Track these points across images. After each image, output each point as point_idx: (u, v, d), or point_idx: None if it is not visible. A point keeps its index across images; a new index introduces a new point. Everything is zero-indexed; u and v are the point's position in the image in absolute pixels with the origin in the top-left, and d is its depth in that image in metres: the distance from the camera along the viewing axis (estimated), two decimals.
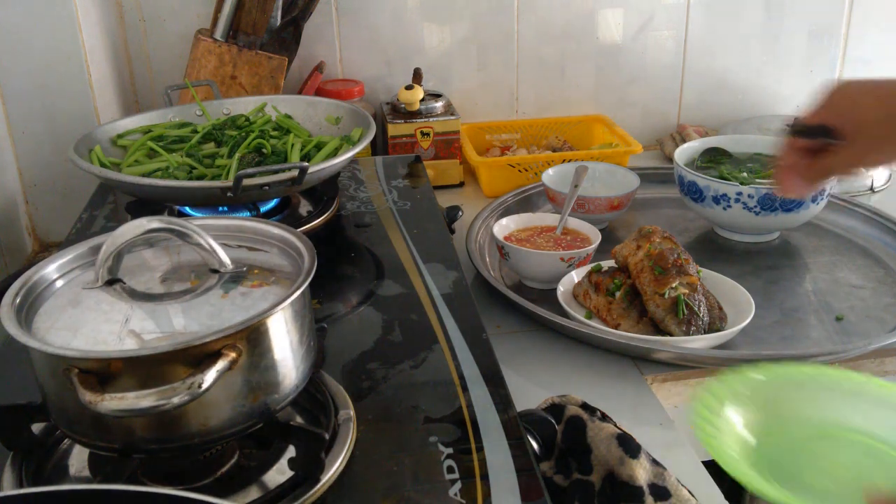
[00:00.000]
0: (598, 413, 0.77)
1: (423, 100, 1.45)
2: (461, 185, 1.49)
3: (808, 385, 0.69)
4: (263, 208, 1.05)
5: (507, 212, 1.31)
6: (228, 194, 0.90)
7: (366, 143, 1.03)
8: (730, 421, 0.67)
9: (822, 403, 0.68)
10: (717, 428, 0.65)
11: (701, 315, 0.97)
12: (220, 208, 1.02)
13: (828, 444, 0.66)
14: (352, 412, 0.70)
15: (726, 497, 0.78)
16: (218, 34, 1.38)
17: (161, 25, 1.45)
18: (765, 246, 1.27)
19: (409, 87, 1.44)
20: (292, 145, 1.07)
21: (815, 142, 0.77)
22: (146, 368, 0.56)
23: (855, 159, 0.77)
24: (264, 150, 1.05)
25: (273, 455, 0.67)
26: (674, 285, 0.97)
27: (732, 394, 0.68)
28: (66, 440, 0.68)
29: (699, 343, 0.96)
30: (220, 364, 0.56)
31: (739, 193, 1.19)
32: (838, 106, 0.77)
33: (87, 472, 0.66)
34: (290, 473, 0.63)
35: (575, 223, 1.19)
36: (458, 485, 0.62)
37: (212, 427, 0.59)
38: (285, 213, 1.08)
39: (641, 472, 0.72)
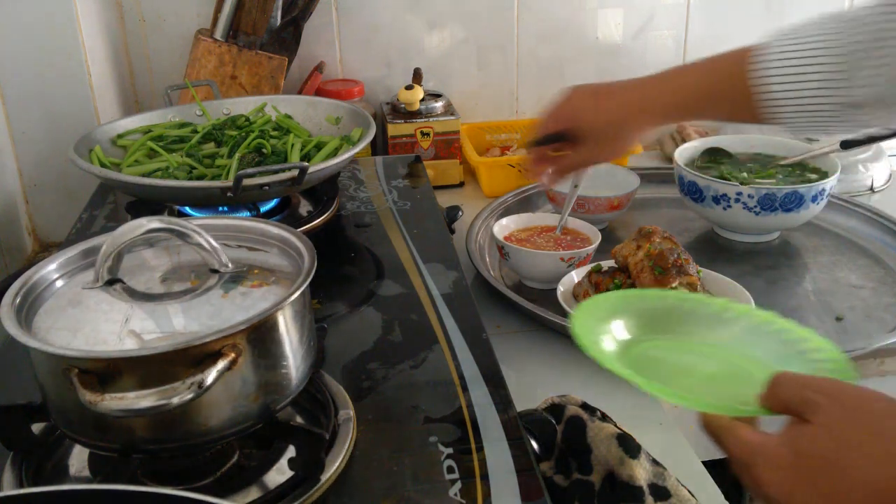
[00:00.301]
0: (598, 413, 0.77)
1: (423, 100, 1.45)
2: (461, 185, 1.49)
3: (680, 308, 0.71)
4: (263, 208, 1.05)
5: (507, 212, 1.31)
6: (228, 194, 0.90)
7: (366, 143, 1.03)
8: (608, 323, 0.68)
9: (692, 323, 0.69)
10: (595, 325, 0.67)
11: None
12: (220, 208, 1.02)
13: (691, 356, 0.68)
14: (352, 412, 0.70)
15: (726, 497, 0.78)
16: (218, 34, 1.38)
17: (161, 25, 1.45)
18: (765, 246, 1.27)
19: (409, 87, 1.44)
20: (292, 145, 1.07)
21: (555, 145, 0.93)
22: (146, 368, 0.56)
23: (590, 156, 0.94)
24: (264, 150, 1.05)
25: (273, 455, 0.67)
26: (674, 285, 0.97)
27: (619, 303, 0.70)
28: (66, 440, 0.68)
29: None
30: (221, 364, 0.56)
31: (739, 193, 1.19)
32: (566, 114, 0.93)
33: (87, 472, 0.66)
34: (290, 473, 0.63)
35: (575, 223, 1.19)
36: (458, 485, 0.62)
37: (212, 427, 0.59)
38: (285, 213, 1.08)
39: (641, 472, 0.72)
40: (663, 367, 0.66)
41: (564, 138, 0.93)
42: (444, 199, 1.21)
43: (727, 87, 0.86)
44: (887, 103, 0.81)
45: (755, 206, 1.19)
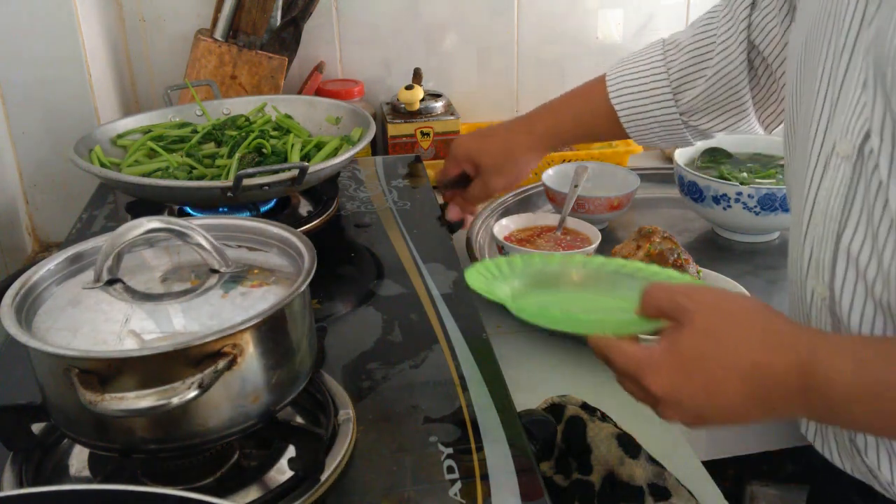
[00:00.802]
0: (598, 413, 0.77)
1: (423, 100, 1.45)
2: None
3: (580, 271, 0.78)
4: (263, 208, 1.05)
5: (507, 212, 1.31)
6: (228, 194, 0.90)
7: (366, 143, 1.03)
8: (503, 278, 0.76)
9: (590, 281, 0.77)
10: (489, 277, 0.75)
11: None
12: (220, 209, 1.02)
13: (580, 302, 0.75)
14: (352, 412, 0.70)
15: (726, 497, 0.78)
16: (218, 34, 1.38)
17: (161, 25, 1.45)
18: (765, 246, 1.27)
19: (409, 87, 1.44)
20: (292, 145, 1.07)
21: (459, 186, 1.08)
22: (146, 368, 0.56)
23: (487, 188, 1.07)
24: (264, 150, 1.05)
25: (273, 455, 0.67)
26: None
27: (520, 265, 0.78)
28: (66, 440, 0.68)
29: None
30: (220, 364, 0.56)
31: (739, 193, 1.19)
32: (460, 158, 1.07)
33: (87, 472, 0.66)
34: (290, 473, 0.63)
35: (575, 223, 1.19)
36: (458, 485, 0.62)
37: (212, 427, 0.59)
38: (285, 213, 1.08)
39: (641, 472, 0.72)
40: (552, 308, 0.73)
41: (466, 178, 1.08)
42: None
43: (600, 112, 1.02)
44: (709, 111, 0.98)
45: (755, 206, 1.19)
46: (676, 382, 0.59)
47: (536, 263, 0.77)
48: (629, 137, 1.03)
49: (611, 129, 1.03)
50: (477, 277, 0.72)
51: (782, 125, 0.85)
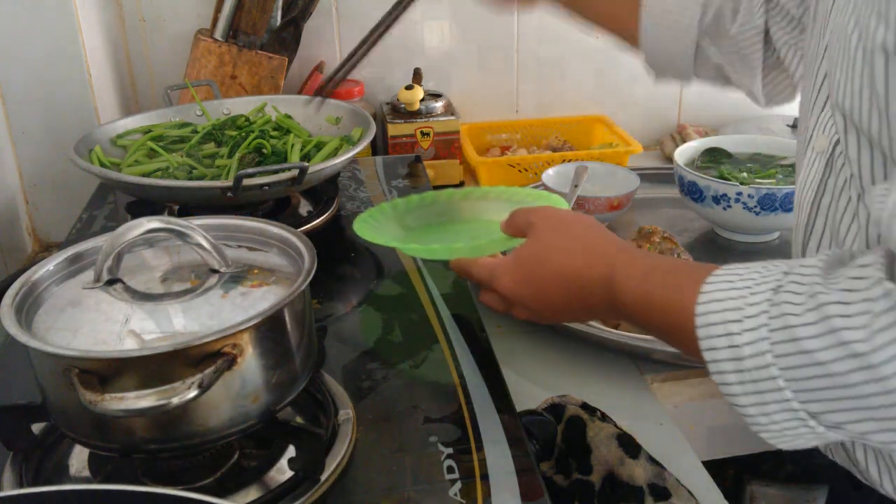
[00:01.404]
0: (598, 413, 0.77)
1: (423, 100, 1.45)
2: (461, 185, 1.49)
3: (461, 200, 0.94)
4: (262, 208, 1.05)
5: None
6: (228, 194, 0.90)
7: (366, 143, 1.03)
8: (391, 221, 0.89)
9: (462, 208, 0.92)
10: (379, 222, 0.87)
11: None
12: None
13: (459, 231, 0.89)
14: (351, 412, 0.70)
15: (726, 497, 0.78)
16: (218, 34, 1.38)
17: (161, 25, 1.45)
18: (765, 246, 1.27)
19: (409, 87, 1.44)
20: (292, 145, 1.07)
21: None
22: (146, 368, 0.56)
23: None
24: (264, 150, 1.05)
25: (273, 455, 0.67)
26: None
27: (402, 207, 0.91)
28: (66, 440, 0.68)
29: None
30: (220, 364, 0.56)
31: (739, 193, 1.19)
32: None
33: (87, 472, 0.66)
34: (290, 473, 0.63)
35: None
36: (458, 485, 0.62)
37: (212, 427, 0.59)
38: (285, 213, 1.08)
39: (641, 472, 0.72)
40: (435, 242, 0.84)
41: None
42: None
43: None
44: (724, 40, 0.92)
45: (755, 206, 1.19)
46: (515, 283, 0.70)
47: (428, 200, 0.90)
48: (635, 36, 0.98)
49: (622, 15, 1.01)
50: (365, 226, 0.82)
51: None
